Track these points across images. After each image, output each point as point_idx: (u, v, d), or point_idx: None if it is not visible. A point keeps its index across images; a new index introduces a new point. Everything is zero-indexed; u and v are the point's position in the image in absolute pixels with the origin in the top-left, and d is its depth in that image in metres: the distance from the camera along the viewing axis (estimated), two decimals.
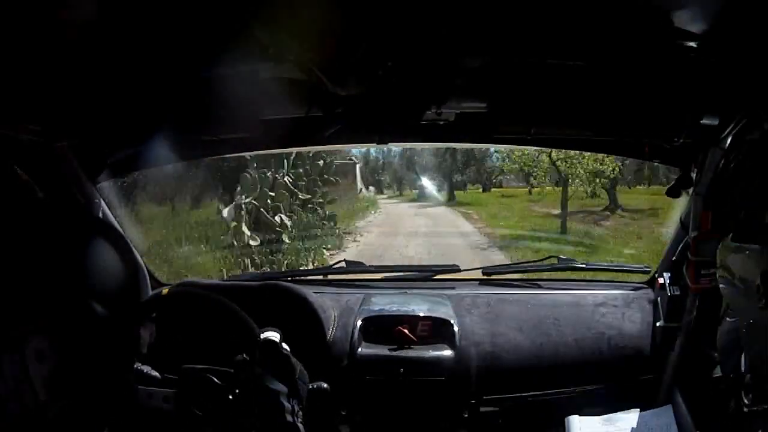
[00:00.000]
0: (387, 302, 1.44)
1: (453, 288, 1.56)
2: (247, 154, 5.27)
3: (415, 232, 10.13)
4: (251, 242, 6.86)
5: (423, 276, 1.67)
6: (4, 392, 0.94)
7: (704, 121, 1.01)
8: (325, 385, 1.16)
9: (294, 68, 0.91)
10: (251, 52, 0.85)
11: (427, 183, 17.60)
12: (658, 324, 1.34)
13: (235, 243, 6.84)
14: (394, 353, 1.31)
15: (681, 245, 1.32)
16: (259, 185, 7.30)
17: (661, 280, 1.35)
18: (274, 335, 1.07)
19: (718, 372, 1.09)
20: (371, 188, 18.04)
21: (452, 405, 1.32)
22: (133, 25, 0.79)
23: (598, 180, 10.23)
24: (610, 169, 9.74)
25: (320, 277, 1.69)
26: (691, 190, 1.21)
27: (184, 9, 0.76)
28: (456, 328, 1.35)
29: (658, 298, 1.37)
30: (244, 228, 6.84)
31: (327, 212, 8.66)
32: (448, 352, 1.32)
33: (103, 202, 1.34)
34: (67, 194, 1.25)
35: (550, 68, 0.96)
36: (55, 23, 0.76)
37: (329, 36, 0.80)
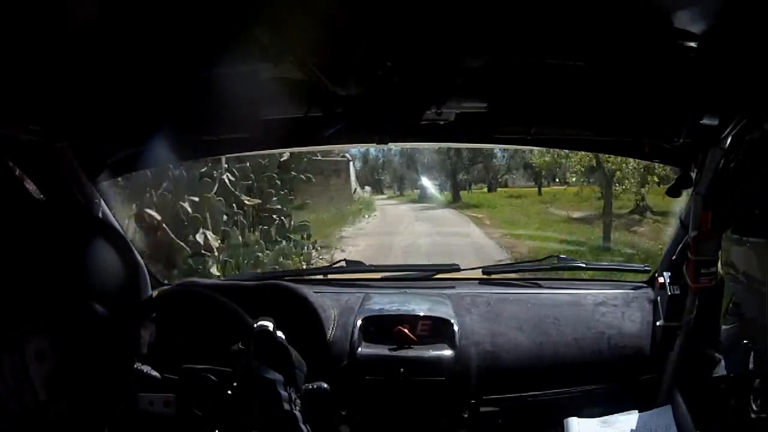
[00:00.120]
0: (387, 302, 1.44)
1: (453, 287, 1.56)
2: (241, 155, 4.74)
3: (413, 244, 8.11)
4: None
5: (423, 275, 1.67)
6: (4, 392, 0.94)
7: (704, 121, 1.01)
8: (325, 385, 1.16)
9: (294, 68, 0.91)
10: (251, 52, 0.85)
11: (430, 182, 16.55)
12: (658, 323, 1.34)
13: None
14: (394, 353, 1.31)
15: (681, 245, 1.32)
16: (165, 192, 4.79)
17: (661, 280, 1.35)
18: (267, 324, 1.07)
19: (718, 372, 1.09)
20: (367, 188, 16.49)
21: (452, 405, 1.32)
22: (133, 25, 0.79)
23: (650, 179, 8.40)
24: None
25: (320, 276, 1.69)
26: (691, 190, 1.21)
27: (184, 9, 0.76)
28: (456, 328, 1.35)
29: (658, 298, 1.37)
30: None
31: (294, 222, 6.54)
32: (448, 352, 1.32)
33: (103, 202, 1.34)
34: (67, 194, 1.25)
35: (550, 68, 0.96)
36: (55, 23, 0.76)
37: (329, 36, 0.80)
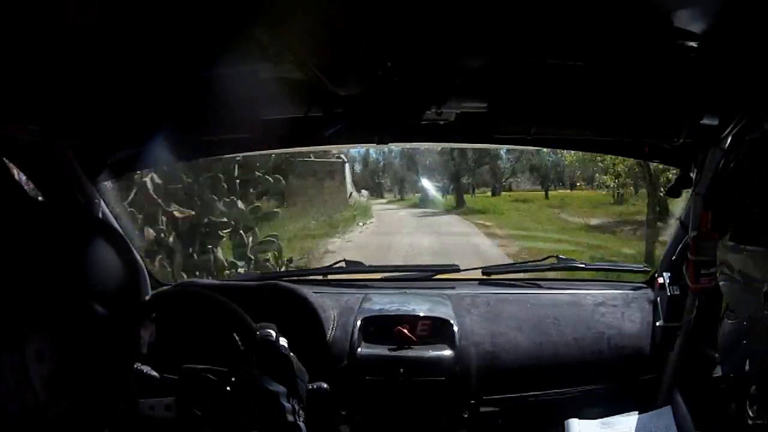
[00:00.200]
0: (387, 302, 1.44)
1: (453, 288, 1.56)
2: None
3: (414, 260, 6.23)
4: None
5: (423, 276, 1.67)
6: (4, 392, 0.93)
7: (704, 121, 1.01)
8: (325, 385, 1.16)
9: (294, 68, 0.91)
10: (251, 52, 0.85)
11: (432, 186, 15.10)
12: (657, 324, 1.34)
13: None
14: (394, 353, 1.31)
15: (681, 245, 1.32)
16: None
17: (660, 280, 1.35)
18: (270, 332, 1.06)
19: (718, 372, 1.09)
20: (364, 192, 15.17)
21: (452, 405, 1.32)
22: (134, 25, 0.79)
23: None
24: None
25: (320, 277, 1.69)
26: (691, 190, 1.21)
27: (184, 9, 0.76)
28: (456, 328, 1.35)
29: (658, 298, 1.37)
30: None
31: (252, 237, 4.80)
32: (447, 352, 1.32)
33: (103, 202, 1.34)
34: (67, 194, 1.25)
35: (550, 68, 0.96)
36: (55, 23, 0.76)
37: (329, 36, 0.80)
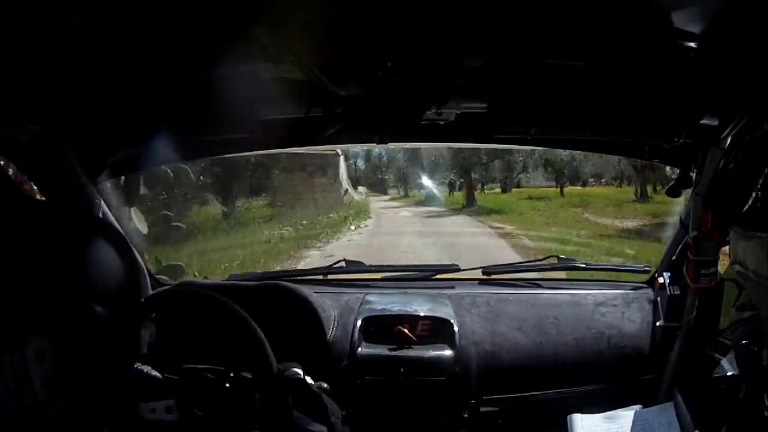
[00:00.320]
0: (387, 302, 1.44)
1: (453, 288, 1.56)
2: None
3: None
4: None
5: (423, 275, 1.67)
6: (4, 392, 0.93)
7: (704, 121, 1.01)
8: (325, 385, 1.16)
9: (294, 68, 0.91)
10: (251, 52, 0.85)
11: (438, 182, 13.72)
12: (657, 323, 1.34)
13: None
14: (394, 353, 1.31)
15: (681, 245, 1.32)
16: None
17: (660, 280, 1.35)
18: (297, 370, 1.04)
19: (718, 372, 1.09)
20: (361, 189, 13.21)
21: (452, 405, 1.32)
22: (134, 25, 0.79)
23: None
24: None
25: (320, 277, 1.69)
26: (691, 190, 1.21)
27: (184, 9, 0.76)
28: (456, 328, 1.35)
29: (658, 298, 1.37)
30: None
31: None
32: (448, 352, 1.32)
33: (103, 202, 1.34)
34: (67, 194, 1.25)
35: (550, 68, 0.96)
36: (55, 23, 0.76)
37: (329, 36, 0.80)
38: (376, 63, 0.90)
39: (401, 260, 5.90)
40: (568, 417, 1.27)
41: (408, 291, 1.53)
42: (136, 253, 1.41)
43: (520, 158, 12.53)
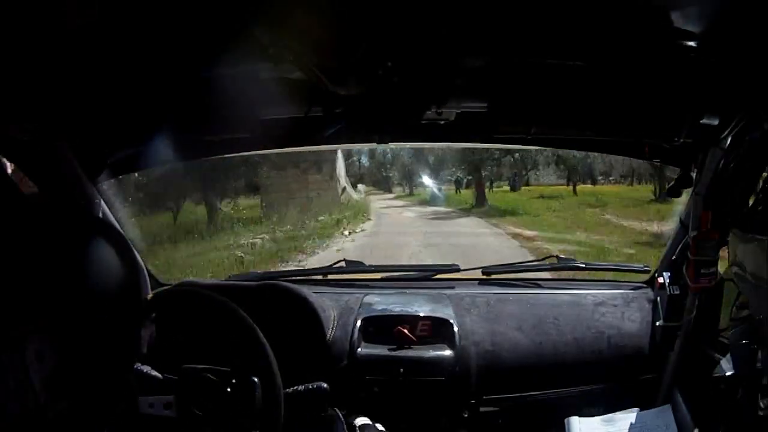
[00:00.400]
0: (387, 302, 1.44)
1: (453, 288, 1.56)
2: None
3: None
4: None
5: (423, 276, 1.67)
6: (4, 392, 0.94)
7: (704, 121, 1.01)
8: (325, 385, 1.16)
9: (294, 68, 0.91)
10: (251, 52, 0.85)
11: (444, 180, 12.76)
12: (657, 323, 1.34)
13: None
14: (394, 353, 1.31)
15: (681, 245, 1.32)
16: None
17: (660, 280, 1.35)
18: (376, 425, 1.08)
19: (718, 372, 1.09)
20: (360, 187, 11.97)
21: (452, 405, 1.32)
22: (133, 25, 0.79)
23: None
24: None
25: (320, 277, 1.69)
26: (691, 190, 1.22)
27: (184, 9, 0.76)
28: (456, 328, 1.35)
29: (658, 298, 1.37)
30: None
31: None
32: (447, 352, 1.32)
33: (103, 202, 1.34)
34: (67, 194, 1.25)
35: (550, 68, 0.96)
36: (55, 23, 0.76)
37: (329, 36, 0.80)
38: (376, 63, 0.90)
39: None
40: (566, 420, 1.27)
41: (408, 291, 1.53)
42: (136, 253, 1.41)
43: (535, 154, 11.41)
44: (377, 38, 0.84)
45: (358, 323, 1.36)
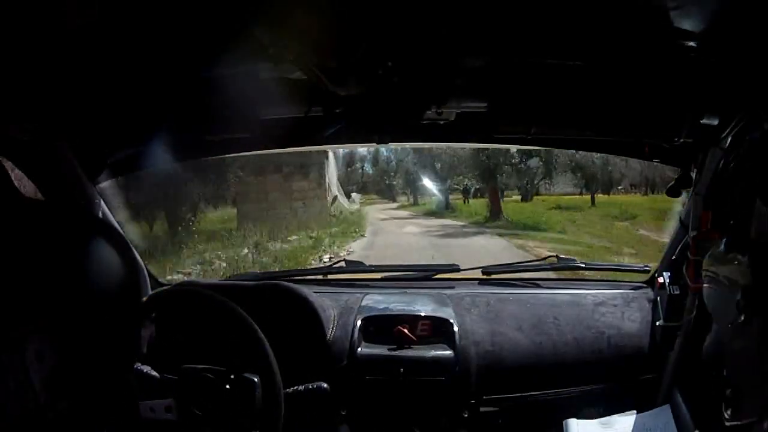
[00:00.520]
0: (387, 302, 1.44)
1: (453, 287, 1.56)
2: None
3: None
4: None
5: (423, 275, 1.67)
6: (4, 392, 0.94)
7: (704, 121, 1.01)
8: (325, 385, 1.16)
9: (294, 68, 0.91)
10: (251, 52, 0.85)
11: (451, 188, 11.43)
12: (657, 323, 1.34)
13: None
14: (394, 353, 1.31)
15: (681, 245, 1.32)
16: None
17: (660, 280, 1.35)
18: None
19: (718, 372, 1.09)
20: (355, 196, 11.28)
21: (452, 405, 1.32)
22: (134, 25, 0.79)
23: None
24: None
25: (320, 276, 1.69)
26: (691, 190, 1.22)
27: (184, 9, 0.76)
28: (456, 328, 1.35)
29: (658, 298, 1.37)
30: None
31: None
32: (447, 352, 1.32)
33: (103, 202, 1.34)
34: (67, 194, 1.25)
35: (550, 68, 0.96)
36: (55, 23, 0.76)
37: (329, 36, 0.80)
38: (376, 63, 0.90)
39: None
40: (564, 422, 1.27)
41: (408, 291, 1.53)
42: (136, 253, 1.41)
43: (556, 157, 10.11)
44: (377, 38, 0.84)
45: (358, 323, 1.36)
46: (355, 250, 6.83)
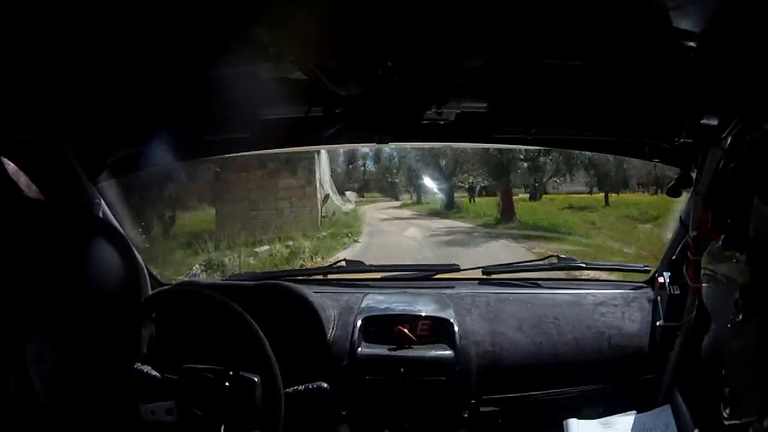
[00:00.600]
0: (387, 302, 1.44)
1: (453, 287, 1.56)
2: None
3: None
4: None
5: (423, 275, 1.67)
6: (4, 392, 0.94)
7: (704, 121, 1.01)
8: (325, 385, 1.16)
9: (294, 68, 0.91)
10: (251, 52, 0.85)
11: (457, 186, 10.66)
12: (658, 323, 1.34)
13: None
14: (394, 353, 1.31)
15: (681, 245, 1.32)
16: None
17: (661, 280, 1.35)
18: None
19: (718, 372, 1.09)
20: (350, 195, 10.00)
21: (452, 405, 1.32)
22: (134, 24, 0.79)
23: None
24: None
25: (320, 276, 1.69)
26: (691, 190, 1.21)
27: (185, 9, 0.76)
28: (456, 328, 1.35)
29: (658, 298, 1.37)
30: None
31: None
32: (448, 352, 1.32)
33: (103, 202, 1.34)
34: (67, 194, 1.25)
35: (550, 68, 0.96)
36: (55, 23, 0.76)
37: (329, 36, 0.80)
38: (376, 63, 0.90)
39: None
40: (564, 422, 1.27)
41: (408, 291, 1.53)
42: (136, 253, 1.41)
43: (569, 157, 9.22)
44: (377, 38, 0.84)
45: (359, 323, 1.36)
46: (343, 263, 5.53)
